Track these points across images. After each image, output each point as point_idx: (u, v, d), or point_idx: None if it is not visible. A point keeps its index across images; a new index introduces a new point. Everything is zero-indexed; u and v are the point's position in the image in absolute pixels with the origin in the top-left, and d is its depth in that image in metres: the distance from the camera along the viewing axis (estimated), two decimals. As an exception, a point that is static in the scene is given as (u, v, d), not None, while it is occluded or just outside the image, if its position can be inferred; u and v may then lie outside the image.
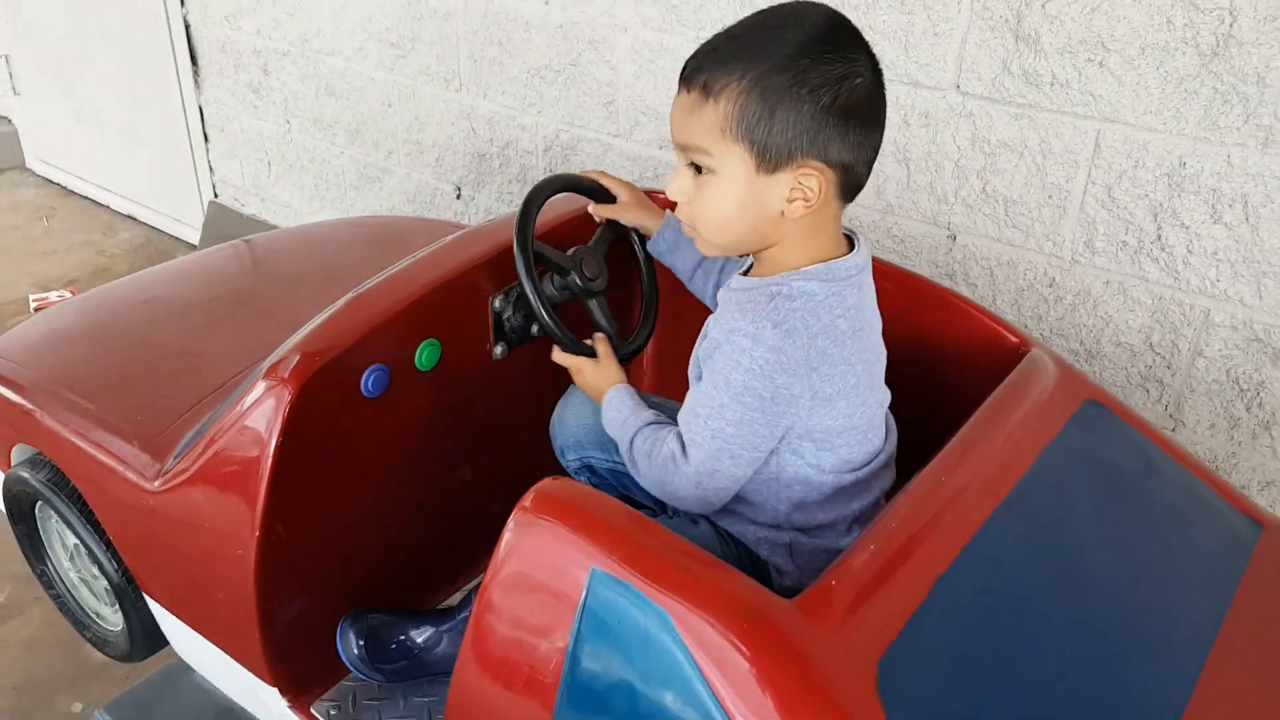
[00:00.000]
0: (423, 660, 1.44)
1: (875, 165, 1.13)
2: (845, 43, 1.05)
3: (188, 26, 3.20)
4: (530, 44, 2.35)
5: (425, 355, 1.37)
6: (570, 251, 1.42)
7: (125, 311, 1.85)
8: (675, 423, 1.21)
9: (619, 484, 1.43)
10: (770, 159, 1.05)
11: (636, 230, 1.52)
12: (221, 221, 3.43)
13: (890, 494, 1.22)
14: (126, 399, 1.58)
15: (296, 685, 1.44)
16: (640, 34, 2.15)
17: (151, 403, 1.57)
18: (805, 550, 1.19)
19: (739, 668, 0.90)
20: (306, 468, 1.30)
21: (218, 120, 3.30)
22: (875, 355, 1.18)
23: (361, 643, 1.42)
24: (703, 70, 1.06)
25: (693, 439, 1.12)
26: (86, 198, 3.95)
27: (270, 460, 1.25)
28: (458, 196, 2.71)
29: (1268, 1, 1.47)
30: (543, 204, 1.39)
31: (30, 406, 1.61)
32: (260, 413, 1.25)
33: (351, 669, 1.43)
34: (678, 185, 1.13)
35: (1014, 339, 1.38)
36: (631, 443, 1.21)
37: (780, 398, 1.08)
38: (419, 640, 1.44)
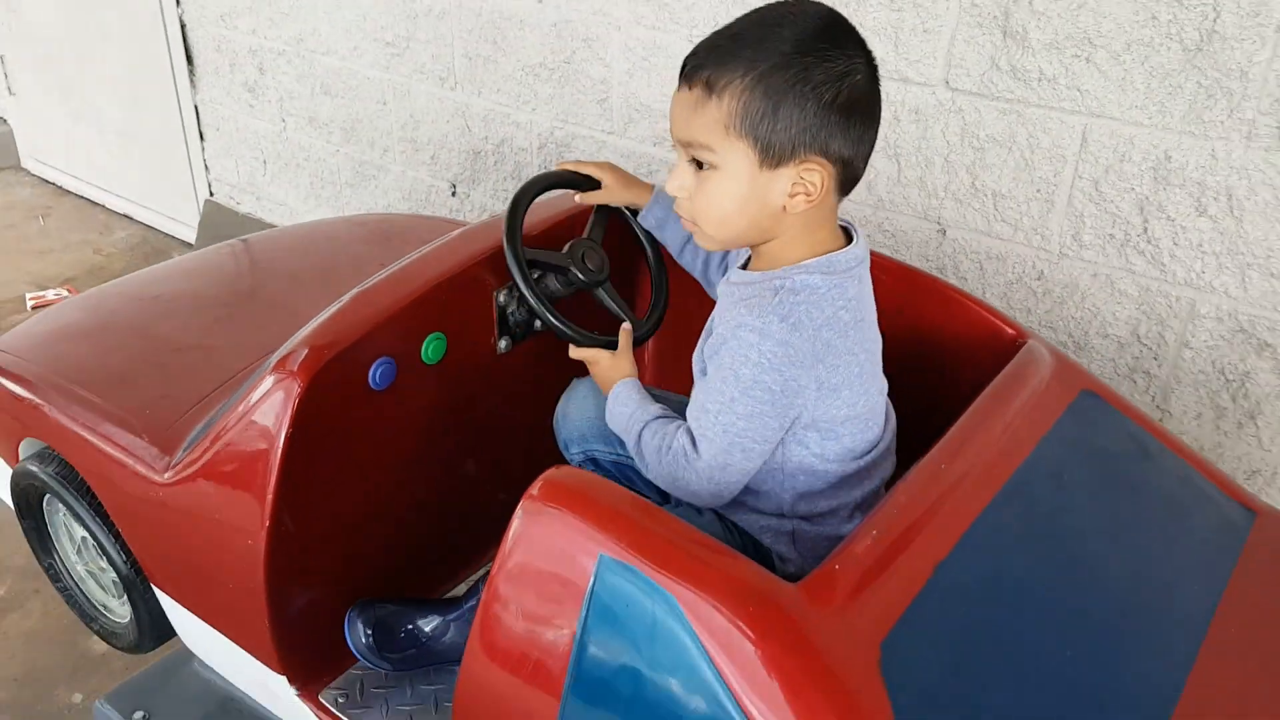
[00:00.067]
0: (430, 649, 1.46)
1: (868, 160, 1.15)
2: (844, 39, 1.07)
3: (183, 26, 3.21)
4: (524, 42, 2.37)
5: (431, 349, 1.39)
6: (566, 248, 1.43)
7: (130, 308, 1.86)
8: (680, 416, 1.22)
9: (623, 477, 1.44)
10: (773, 155, 1.07)
11: (630, 209, 1.52)
12: (217, 220, 3.45)
13: (890, 482, 1.24)
14: (134, 393, 1.60)
15: (305, 674, 1.46)
16: (633, 32, 2.17)
17: (159, 397, 1.58)
18: (808, 538, 1.21)
19: (746, 651, 0.91)
20: (315, 459, 1.31)
21: (213, 119, 3.32)
22: (874, 344, 1.20)
23: (369, 632, 1.43)
24: (705, 67, 1.07)
25: (704, 434, 1.13)
26: (82, 197, 3.96)
27: (280, 452, 1.26)
28: (453, 194, 2.73)
29: (1250, -3, 1.50)
30: (527, 207, 1.40)
31: (38, 401, 1.62)
32: (270, 405, 1.27)
33: (359, 658, 1.45)
34: (678, 181, 1.14)
35: (1011, 331, 1.40)
36: (640, 437, 1.22)
37: (789, 389, 1.10)
38: (426, 629, 1.46)
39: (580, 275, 1.41)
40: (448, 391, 1.46)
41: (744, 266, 1.22)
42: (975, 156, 1.82)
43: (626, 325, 1.36)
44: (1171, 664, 1.13)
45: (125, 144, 3.66)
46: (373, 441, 1.39)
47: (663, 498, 1.35)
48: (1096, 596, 1.16)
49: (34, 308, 3.19)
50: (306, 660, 1.45)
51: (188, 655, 1.71)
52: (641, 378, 1.81)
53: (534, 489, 1.03)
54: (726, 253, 1.41)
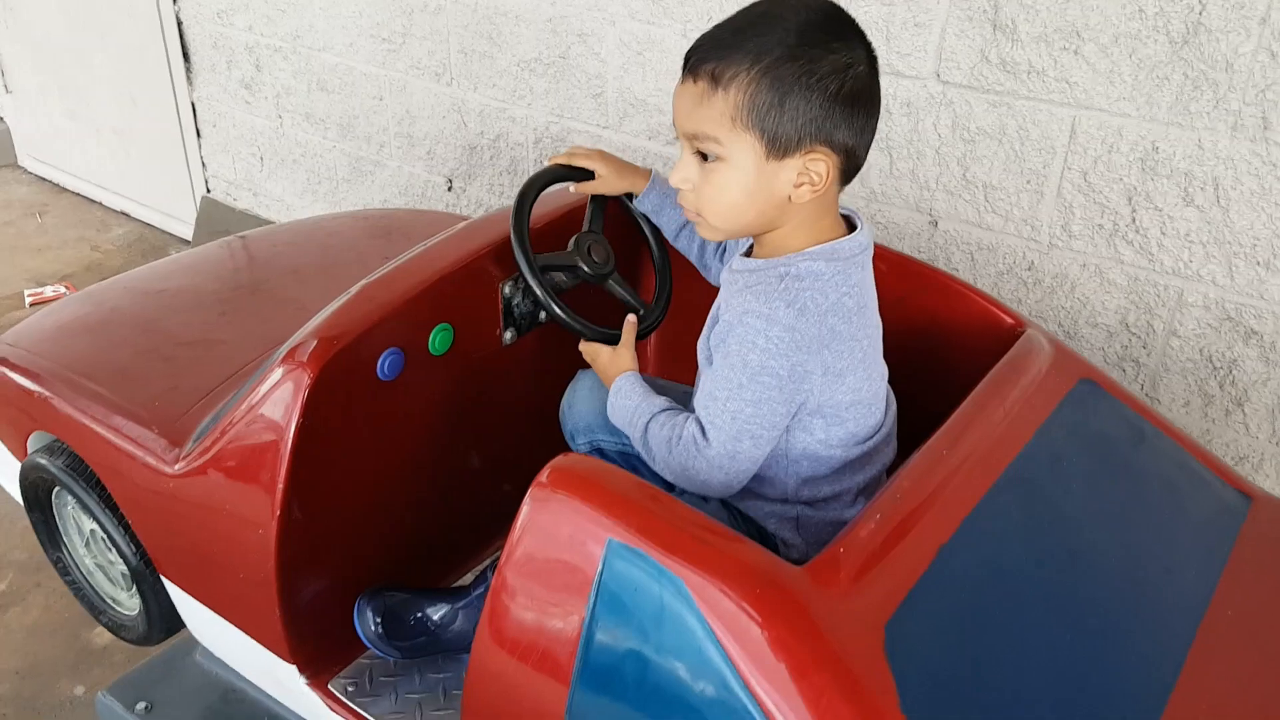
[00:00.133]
0: (439, 637, 1.47)
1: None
2: (845, 31, 1.09)
3: (180, 24, 3.22)
4: (520, 37, 2.39)
5: (438, 340, 1.40)
6: (571, 243, 1.44)
7: (136, 303, 1.87)
8: (684, 407, 1.23)
9: (629, 466, 1.44)
10: (780, 146, 1.08)
11: (628, 196, 1.53)
12: (214, 217, 3.46)
13: (891, 469, 1.25)
14: (142, 386, 1.61)
15: (315, 663, 1.46)
16: (628, 26, 2.19)
17: (167, 390, 1.59)
18: (811, 523, 1.22)
19: (753, 633, 0.93)
20: (324, 450, 1.32)
21: (210, 116, 3.33)
22: (876, 330, 1.22)
23: (379, 620, 1.44)
24: (710, 60, 1.08)
25: (713, 422, 1.13)
26: (79, 194, 3.97)
27: (290, 442, 1.27)
28: (449, 189, 2.74)
29: (1235, -11, 1.52)
30: (534, 202, 1.40)
31: (48, 394, 1.63)
32: (280, 396, 1.28)
33: (369, 646, 1.46)
34: (683, 174, 1.15)
35: (1010, 320, 1.41)
36: (646, 430, 1.21)
37: (795, 375, 1.11)
38: (435, 617, 1.46)
39: (588, 270, 1.42)
40: (454, 383, 1.47)
41: (746, 254, 1.23)
42: (966, 149, 1.84)
43: (631, 317, 1.37)
44: (1169, 646, 1.15)
45: (122, 141, 3.67)
46: (380, 432, 1.40)
47: (668, 485, 1.36)
48: (1095, 580, 1.18)
49: (32, 304, 3.20)
50: (316, 649, 1.46)
51: (189, 647, 1.72)
52: (645, 368, 1.82)
53: (542, 476, 1.04)
54: None
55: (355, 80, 2.81)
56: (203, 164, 3.45)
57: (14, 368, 1.69)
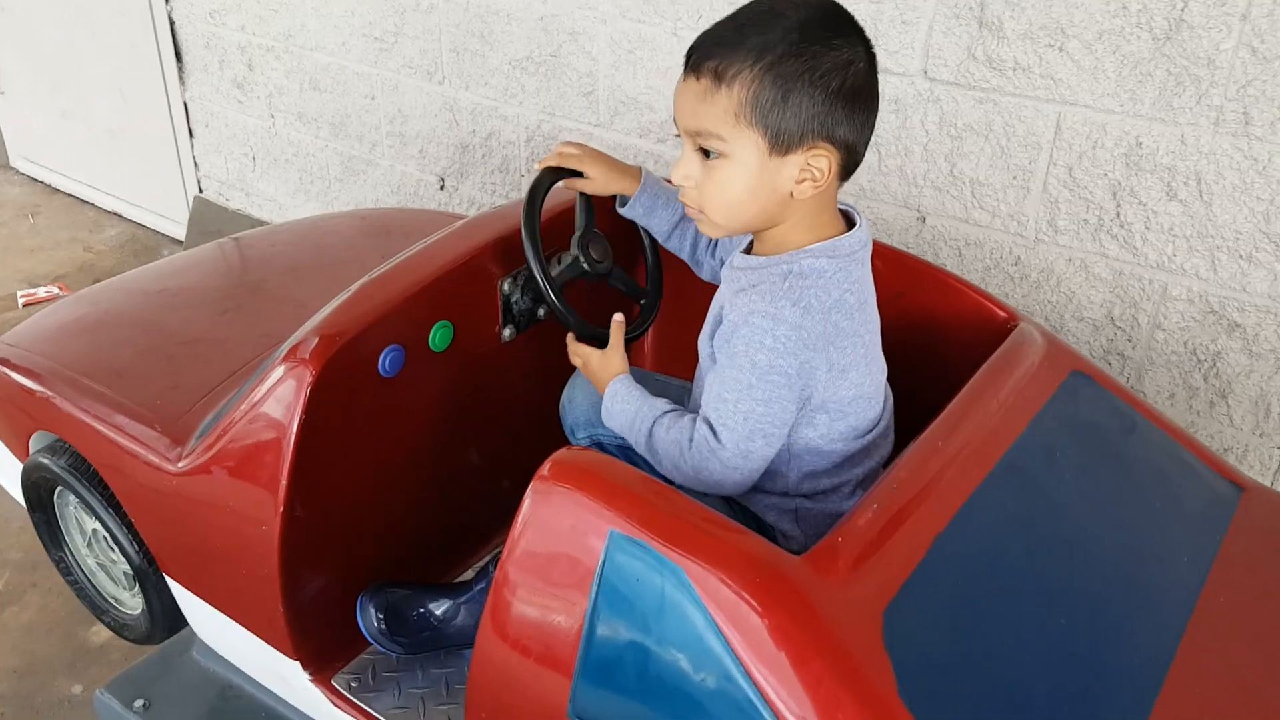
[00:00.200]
0: (441, 632, 1.47)
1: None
2: (845, 28, 1.10)
3: (172, 23, 3.22)
4: (511, 36, 2.40)
5: (438, 336, 1.41)
6: (572, 243, 1.44)
7: (136, 302, 1.88)
8: (682, 404, 1.23)
9: (627, 460, 1.44)
10: (783, 142, 1.09)
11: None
12: (206, 217, 3.46)
13: (888, 461, 1.27)
14: (143, 385, 1.61)
15: (318, 659, 1.48)
16: (619, 25, 2.21)
17: (168, 388, 1.60)
18: (810, 515, 1.23)
19: (753, 622, 0.94)
20: (327, 446, 1.33)
21: (203, 116, 3.33)
22: (876, 325, 1.23)
23: (381, 616, 1.45)
24: (712, 57, 1.09)
25: (724, 424, 1.13)
26: (71, 195, 3.96)
27: (293, 439, 1.28)
28: (441, 187, 2.76)
29: (1216, -13, 1.55)
30: (544, 198, 1.40)
31: (50, 394, 1.63)
32: (282, 393, 1.29)
33: (372, 642, 1.46)
34: (685, 171, 1.15)
35: (1003, 314, 1.43)
36: (650, 434, 1.21)
37: (803, 372, 1.12)
38: (437, 613, 1.47)
39: (589, 268, 1.42)
40: (454, 379, 1.48)
41: (746, 251, 1.23)
42: (953, 145, 1.86)
43: (618, 318, 1.36)
44: (1162, 633, 1.17)
45: (114, 142, 3.67)
46: (381, 429, 1.41)
47: (666, 480, 1.37)
48: (1089, 569, 1.20)
49: (25, 305, 3.21)
50: (319, 645, 1.47)
51: (187, 644, 1.73)
52: (642, 363, 1.84)
53: (544, 469, 1.05)
54: None
55: (347, 79, 2.82)
56: (195, 164, 3.46)
57: (15, 368, 1.70)
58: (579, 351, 1.34)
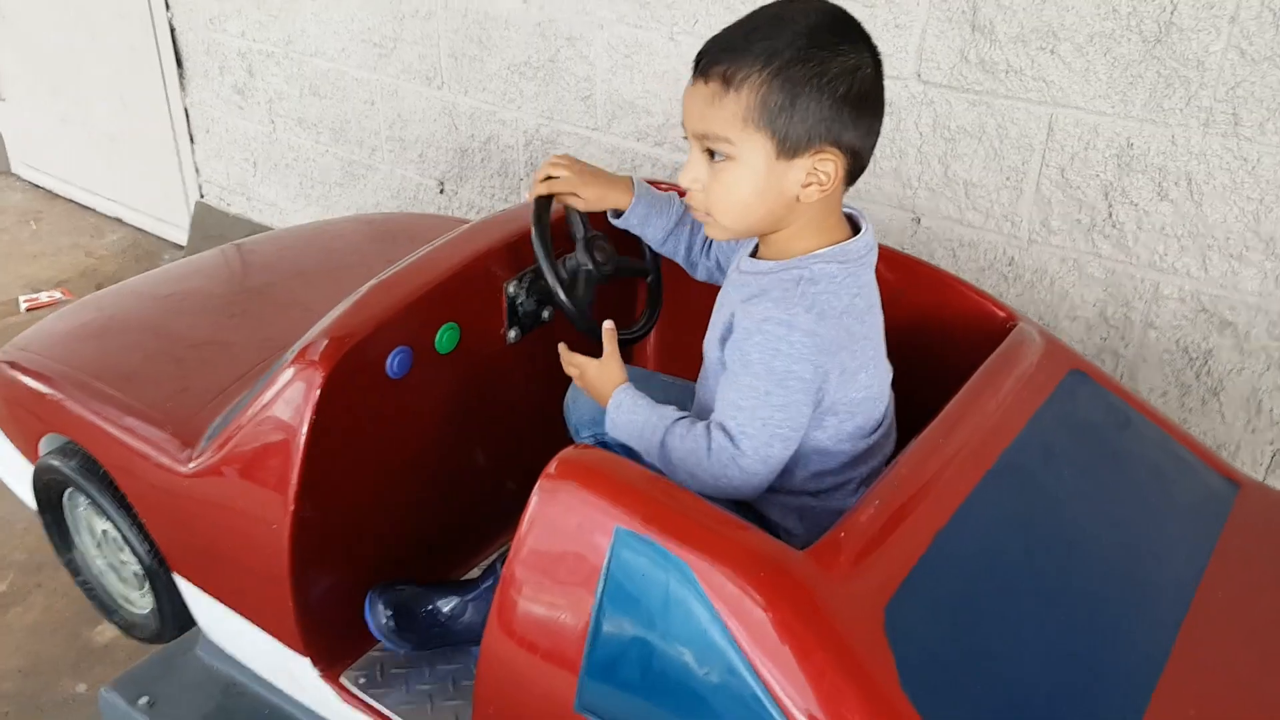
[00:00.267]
0: (449, 629, 1.48)
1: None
2: (852, 34, 1.11)
3: (173, 30, 3.23)
4: (509, 41, 2.42)
5: (445, 338, 1.43)
6: (578, 249, 1.45)
7: (144, 307, 1.89)
8: (685, 406, 1.23)
9: (632, 458, 1.47)
10: (790, 146, 1.10)
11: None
12: (208, 222, 3.48)
13: (891, 458, 1.28)
14: (153, 388, 1.63)
15: (328, 656, 1.49)
16: (616, 30, 2.23)
17: (178, 391, 1.62)
18: (814, 512, 1.24)
19: (757, 616, 0.96)
20: (335, 447, 1.35)
21: (203, 122, 3.35)
22: (881, 327, 1.25)
23: (390, 613, 1.46)
24: (721, 61, 1.10)
25: (744, 431, 1.13)
26: (73, 201, 3.97)
27: (303, 440, 1.30)
28: (440, 191, 2.77)
29: (1204, -10, 1.57)
30: (549, 217, 1.41)
31: (60, 396, 1.65)
32: (292, 395, 1.30)
33: (380, 639, 1.48)
34: (692, 174, 1.16)
35: (1002, 313, 1.44)
36: (663, 444, 1.19)
37: (818, 376, 1.13)
38: (445, 610, 1.48)
39: (595, 271, 1.44)
40: (460, 380, 1.50)
41: (753, 254, 1.24)
42: (947, 147, 1.88)
43: (609, 325, 1.34)
44: (1159, 628, 1.18)
45: (115, 148, 3.68)
46: (390, 429, 1.43)
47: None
48: (1087, 563, 1.21)
49: (28, 310, 3.22)
50: (329, 642, 1.48)
51: (190, 642, 1.74)
52: (644, 363, 1.85)
53: (551, 467, 1.06)
54: None
55: (347, 85, 2.83)
56: (196, 169, 3.47)
57: (25, 371, 1.71)
58: (574, 362, 1.33)
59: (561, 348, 1.35)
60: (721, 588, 0.97)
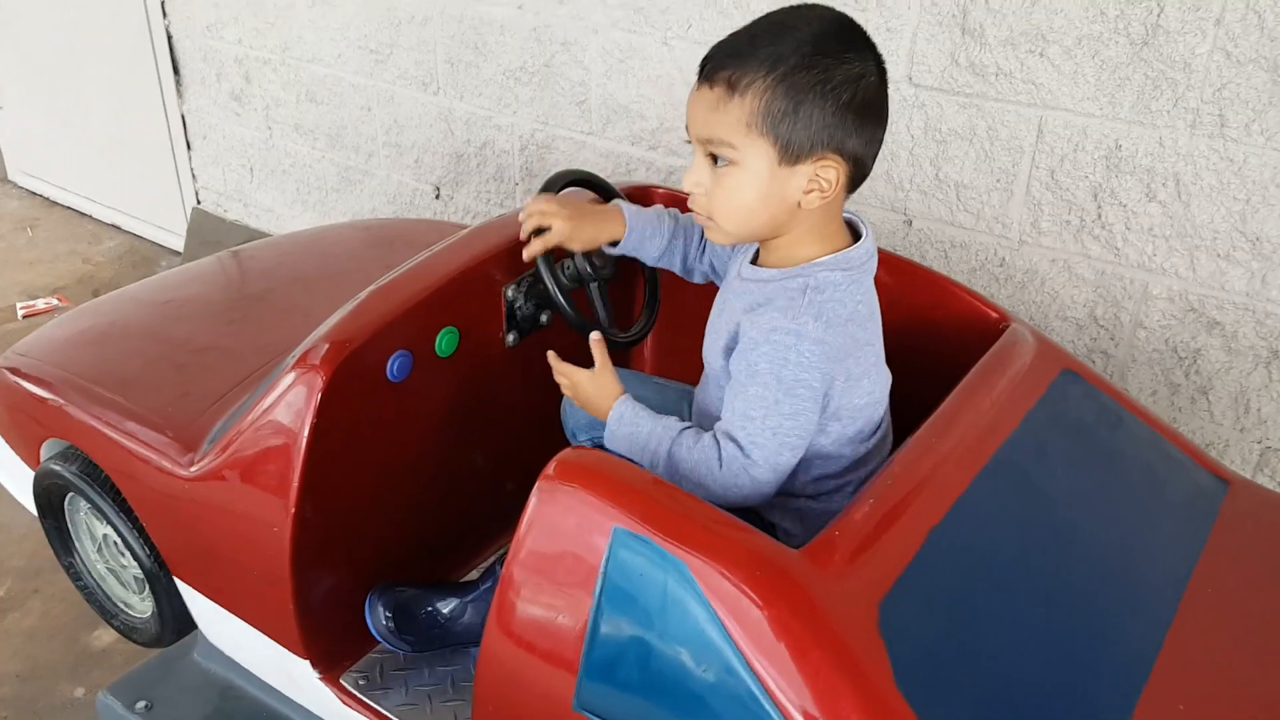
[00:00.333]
0: (449, 630, 1.49)
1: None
2: (857, 42, 1.12)
3: (170, 37, 3.24)
4: (504, 47, 2.43)
5: (445, 342, 1.44)
6: (576, 258, 1.46)
7: (144, 313, 1.90)
8: (685, 409, 1.25)
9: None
10: (792, 152, 1.10)
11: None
12: (205, 228, 3.49)
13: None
14: (155, 393, 1.64)
15: (328, 658, 1.50)
16: (610, 35, 2.24)
17: (179, 396, 1.63)
18: (813, 513, 1.25)
19: (753, 615, 0.97)
20: (336, 450, 1.36)
21: (200, 128, 3.36)
22: (880, 332, 1.26)
23: (389, 615, 1.47)
24: (726, 67, 1.11)
25: (754, 441, 1.13)
26: (70, 208, 3.98)
27: (304, 443, 1.31)
28: (437, 196, 2.79)
29: (1191, -7, 1.58)
30: (552, 261, 1.43)
31: (61, 401, 1.66)
32: (293, 399, 1.31)
33: (380, 640, 1.49)
34: (695, 178, 1.16)
35: (995, 314, 1.46)
36: (670, 456, 1.18)
37: (825, 384, 1.14)
38: (445, 611, 1.49)
39: (593, 274, 1.45)
40: (460, 384, 1.51)
41: (753, 261, 1.25)
42: (938, 149, 1.90)
43: (596, 335, 1.32)
44: (1149, 624, 1.20)
45: (113, 154, 3.69)
46: (390, 432, 1.44)
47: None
48: (1079, 562, 1.22)
49: (25, 317, 3.23)
50: (329, 644, 1.49)
51: (188, 646, 1.75)
52: (641, 366, 1.86)
53: (549, 469, 1.07)
54: (703, 238, 1.43)
55: (343, 91, 2.85)
56: (193, 176, 3.48)
57: (26, 376, 1.72)
58: (564, 371, 1.31)
59: (552, 356, 1.33)
60: (718, 587, 0.98)
